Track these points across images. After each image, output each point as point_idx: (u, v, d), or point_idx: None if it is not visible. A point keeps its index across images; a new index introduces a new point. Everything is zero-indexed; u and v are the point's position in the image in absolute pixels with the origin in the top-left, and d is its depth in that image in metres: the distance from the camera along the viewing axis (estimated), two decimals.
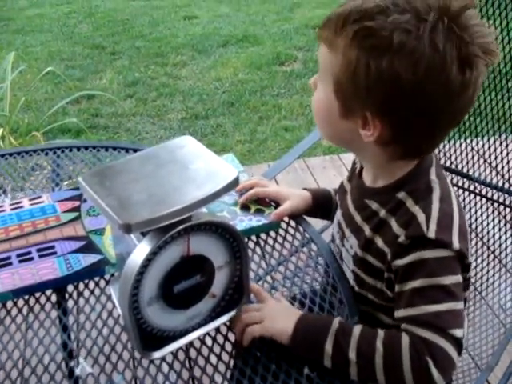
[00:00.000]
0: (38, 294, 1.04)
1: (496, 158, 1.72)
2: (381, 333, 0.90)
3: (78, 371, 0.92)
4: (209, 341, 0.96)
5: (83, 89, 4.04)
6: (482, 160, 1.75)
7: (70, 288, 1.06)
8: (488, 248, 1.73)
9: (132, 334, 0.86)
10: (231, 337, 0.96)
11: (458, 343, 0.87)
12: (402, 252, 0.92)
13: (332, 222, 1.21)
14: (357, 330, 0.91)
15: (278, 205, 1.22)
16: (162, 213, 0.78)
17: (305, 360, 0.91)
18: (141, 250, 0.80)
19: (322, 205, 1.25)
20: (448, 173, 1.72)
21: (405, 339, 0.88)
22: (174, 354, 0.93)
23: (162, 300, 0.85)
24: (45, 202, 1.24)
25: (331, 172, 3.08)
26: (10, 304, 1.02)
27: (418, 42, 0.84)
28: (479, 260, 1.70)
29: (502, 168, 1.71)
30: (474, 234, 1.73)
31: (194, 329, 0.92)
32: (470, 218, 1.76)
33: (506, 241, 1.72)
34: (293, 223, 1.21)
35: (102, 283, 1.06)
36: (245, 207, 1.22)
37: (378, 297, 1.02)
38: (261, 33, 5.10)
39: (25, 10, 5.90)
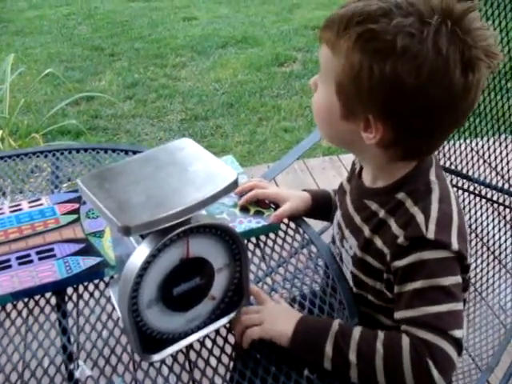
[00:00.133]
0: (37, 297, 1.04)
1: (496, 159, 1.72)
2: (381, 334, 0.90)
3: (77, 374, 0.91)
4: (208, 343, 0.96)
5: (83, 90, 4.04)
6: (481, 160, 1.75)
7: (70, 290, 1.05)
8: (488, 248, 1.72)
9: (131, 337, 0.85)
10: (231, 339, 0.96)
11: (458, 344, 0.87)
12: (402, 253, 0.92)
13: (331, 223, 1.21)
14: (357, 331, 0.90)
15: (277, 206, 1.22)
16: (162, 215, 0.78)
17: (305, 362, 0.91)
18: (140, 252, 0.80)
19: (321, 206, 1.25)
20: (447, 173, 1.72)
21: (405, 341, 0.87)
22: (174, 357, 0.93)
23: (162, 302, 0.85)
24: (44, 205, 1.24)
25: (331, 173, 3.08)
26: (9, 307, 1.02)
27: (421, 45, 0.84)
28: (479, 261, 1.70)
29: (502, 168, 1.71)
30: (473, 235, 1.73)
31: (193, 331, 0.92)
32: (470, 218, 1.76)
33: (505, 241, 1.72)
34: (292, 225, 1.21)
35: (102, 286, 1.06)
36: (244, 209, 1.22)
37: (377, 298, 1.02)
38: (260, 34, 5.10)
39: (24, 12, 5.90)
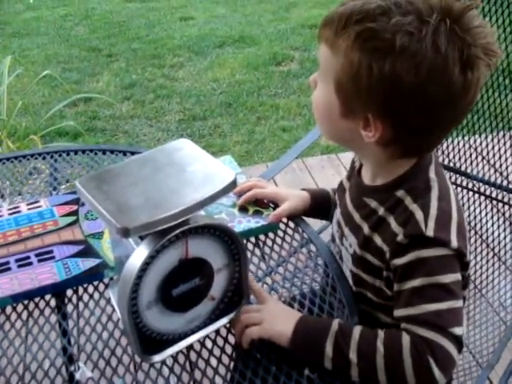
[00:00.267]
0: (37, 299, 1.04)
1: (494, 156, 1.72)
2: (381, 333, 0.90)
3: (78, 376, 0.91)
4: (209, 343, 0.96)
5: (80, 92, 4.03)
6: (480, 158, 1.75)
7: (69, 292, 1.05)
8: (487, 245, 1.73)
9: (131, 338, 0.85)
10: (231, 339, 0.96)
11: (458, 341, 0.87)
12: (401, 251, 0.92)
13: (331, 222, 1.21)
14: (357, 331, 0.90)
15: (276, 206, 1.22)
16: (160, 216, 0.78)
17: (305, 361, 0.91)
18: (139, 253, 0.80)
19: (320, 205, 1.25)
20: (446, 171, 1.72)
21: (405, 339, 0.87)
22: (174, 357, 0.93)
23: (161, 303, 0.85)
24: (42, 207, 1.24)
25: (329, 172, 3.08)
26: (9, 309, 1.02)
27: (420, 44, 0.84)
28: (479, 258, 1.70)
29: (500, 165, 1.71)
30: (472, 232, 1.73)
31: (193, 332, 0.92)
32: (469, 215, 1.76)
33: (505, 238, 1.72)
34: (291, 224, 1.21)
35: (101, 287, 1.06)
36: (243, 209, 1.22)
37: (376, 295, 1.02)
38: (257, 33, 5.09)
39: (21, 14, 5.88)
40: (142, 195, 0.82)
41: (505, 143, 1.71)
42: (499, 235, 1.73)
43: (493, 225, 1.75)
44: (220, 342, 0.96)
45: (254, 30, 5.16)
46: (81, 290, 1.06)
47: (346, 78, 0.90)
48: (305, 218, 1.22)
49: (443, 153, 1.79)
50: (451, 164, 1.79)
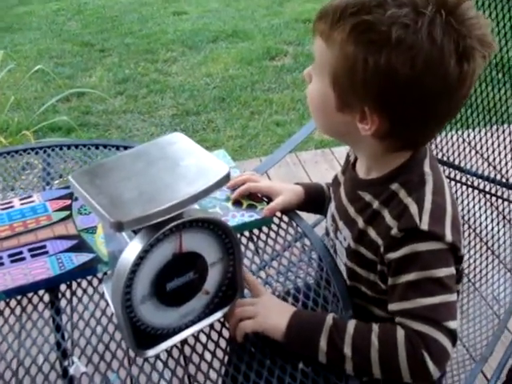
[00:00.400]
0: (30, 294, 1.03)
1: (487, 150, 1.73)
2: (375, 327, 0.90)
3: (71, 371, 0.91)
4: (203, 338, 0.95)
5: (73, 86, 4.02)
6: (473, 152, 1.76)
7: (63, 287, 1.05)
8: (481, 239, 1.73)
9: (126, 333, 0.85)
10: (225, 333, 0.96)
11: (452, 335, 0.88)
12: (395, 245, 0.92)
13: (325, 216, 1.21)
14: (351, 325, 0.90)
15: (270, 200, 1.22)
16: (154, 210, 0.78)
17: (300, 355, 0.91)
18: (133, 248, 0.80)
19: (314, 199, 1.25)
20: (440, 165, 1.72)
21: (400, 333, 0.88)
22: (169, 352, 0.92)
23: (155, 298, 0.85)
24: (36, 202, 1.23)
25: (323, 166, 3.08)
26: (2, 304, 1.02)
27: (416, 36, 0.83)
28: (472, 251, 1.70)
29: (494, 159, 1.72)
30: (466, 226, 1.74)
31: (187, 326, 0.92)
32: (463, 209, 1.76)
33: (498, 232, 1.73)
34: (285, 218, 1.20)
35: (95, 282, 1.06)
36: (237, 203, 1.22)
37: (370, 289, 1.02)
38: (251, 28, 5.08)
39: (13, 8, 5.86)
40: (135, 189, 0.81)
41: (498, 137, 1.71)
42: (493, 229, 1.73)
43: (486, 219, 1.76)
44: (214, 336, 0.96)
45: (248, 25, 5.15)
46: (74, 284, 1.05)
47: (342, 72, 0.89)
48: (299, 212, 1.22)
49: (437, 147, 1.79)
50: (445, 158, 1.79)
